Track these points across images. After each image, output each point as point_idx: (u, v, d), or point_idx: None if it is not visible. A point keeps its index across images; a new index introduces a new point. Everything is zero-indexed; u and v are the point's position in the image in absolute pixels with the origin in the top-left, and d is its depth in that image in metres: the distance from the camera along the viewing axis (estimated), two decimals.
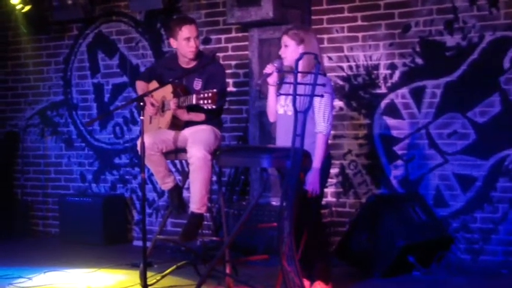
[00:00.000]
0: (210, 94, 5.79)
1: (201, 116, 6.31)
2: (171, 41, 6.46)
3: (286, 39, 5.82)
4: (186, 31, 6.33)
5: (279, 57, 5.92)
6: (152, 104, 6.38)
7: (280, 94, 5.81)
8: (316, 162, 5.63)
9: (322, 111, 5.64)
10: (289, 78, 5.78)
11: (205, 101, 5.80)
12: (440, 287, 6.37)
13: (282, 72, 5.91)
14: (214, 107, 5.83)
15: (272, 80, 5.89)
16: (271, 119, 6.07)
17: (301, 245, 5.66)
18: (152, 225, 8.58)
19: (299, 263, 5.20)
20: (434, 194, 7.24)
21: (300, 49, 5.70)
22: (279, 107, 5.90)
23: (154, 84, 6.46)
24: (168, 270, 6.42)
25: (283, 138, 5.78)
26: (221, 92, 6.20)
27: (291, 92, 5.52)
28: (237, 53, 8.23)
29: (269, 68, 5.86)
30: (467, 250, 7.09)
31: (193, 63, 6.43)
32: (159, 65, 6.80)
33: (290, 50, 5.78)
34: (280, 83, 5.75)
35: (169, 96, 6.27)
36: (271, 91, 5.97)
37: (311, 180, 5.63)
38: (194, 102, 5.91)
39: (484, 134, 7.02)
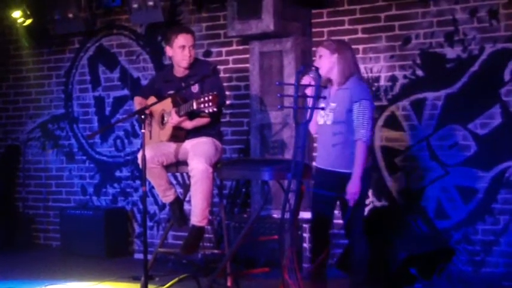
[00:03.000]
0: (210, 97, 5.78)
1: (205, 120, 6.31)
2: (167, 49, 6.49)
3: (320, 49, 5.85)
4: (181, 39, 6.36)
5: (313, 68, 5.91)
6: (151, 116, 6.42)
7: (283, 107, 5.83)
8: (356, 170, 5.59)
9: (360, 117, 5.61)
10: (327, 90, 5.76)
11: (206, 104, 5.80)
12: None
13: (318, 82, 5.90)
14: (215, 109, 5.82)
15: (310, 91, 5.89)
16: (313, 131, 6.04)
17: (323, 254, 5.71)
18: (153, 238, 8.58)
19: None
20: (436, 206, 7.23)
21: (334, 58, 5.73)
22: (319, 118, 5.87)
23: (152, 99, 6.47)
24: (169, 283, 6.41)
25: (322, 149, 5.79)
26: (219, 92, 6.16)
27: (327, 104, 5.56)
28: (237, 65, 8.24)
29: (305, 80, 5.83)
30: (469, 262, 7.07)
31: (187, 72, 6.45)
32: (156, 79, 6.83)
33: (324, 59, 5.79)
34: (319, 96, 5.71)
35: (168, 108, 6.28)
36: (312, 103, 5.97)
37: (350, 189, 5.61)
38: (195, 107, 5.90)
39: (485, 145, 7.02)
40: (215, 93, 5.82)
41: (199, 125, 6.32)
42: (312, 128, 5.99)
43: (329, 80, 5.81)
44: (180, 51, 6.37)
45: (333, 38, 6.24)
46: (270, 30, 7.36)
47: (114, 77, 9.16)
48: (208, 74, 6.32)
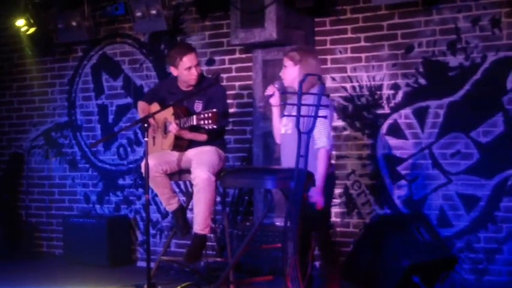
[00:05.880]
0: (210, 114, 5.82)
1: (203, 136, 6.34)
2: (172, 69, 6.51)
3: (285, 60, 5.90)
4: (186, 61, 6.39)
5: (280, 78, 5.97)
6: (153, 125, 6.42)
7: (284, 115, 5.83)
8: (319, 177, 5.60)
9: (321, 128, 5.61)
10: (292, 99, 5.82)
11: (206, 121, 5.84)
12: None
13: (283, 92, 5.93)
14: (215, 127, 5.85)
15: (274, 101, 5.93)
16: (277, 140, 6.09)
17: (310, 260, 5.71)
18: (156, 246, 8.57)
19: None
20: (438, 214, 7.24)
21: (296, 70, 5.76)
22: (282, 127, 5.93)
23: (155, 106, 6.51)
24: None
25: (286, 158, 5.82)
26: (223, 112, 6.24)
27: (292, 112, 5.55)
28: (240, 74, 8.26)
29: (270, 90, 5.92)
30: (472, 270, 7.08)
31: (192, 88, 6.48)
32: (162, 87, 6.85)
33: (288, 70, 5.84)
34: (284, 103, 5.77)
35: (170, 118, 6.30)
36: (275, 112, 5.99)
37: (313, 197, 5.61)
38: (195, 123, 5.94)
39: (488, 153, 7.03)
40: (215, 110, 5.85)
41: (196, 139, 6.35)
42: (276, 137, 6.04)
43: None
44: (186, 72, 6.41)
45: (297, 47, 6.23)
46: (273, 39, 7.37)
47: (118, 85, 9.17)
48: (210, 84, 6.36)
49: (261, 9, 7.37)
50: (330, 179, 5.78)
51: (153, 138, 6.58)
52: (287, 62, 5.87)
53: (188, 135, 6.30)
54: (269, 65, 7.65)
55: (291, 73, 5.81)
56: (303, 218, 5.25)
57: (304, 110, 5.16)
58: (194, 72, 6.40)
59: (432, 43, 7.27)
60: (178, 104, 6.32)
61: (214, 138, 6.40)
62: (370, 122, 7.58)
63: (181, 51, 6.47)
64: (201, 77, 6.52)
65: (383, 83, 7.50)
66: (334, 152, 7.62)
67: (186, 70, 6.40)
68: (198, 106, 6.36)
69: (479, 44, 7.07)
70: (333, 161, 5.88)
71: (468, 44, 7.11)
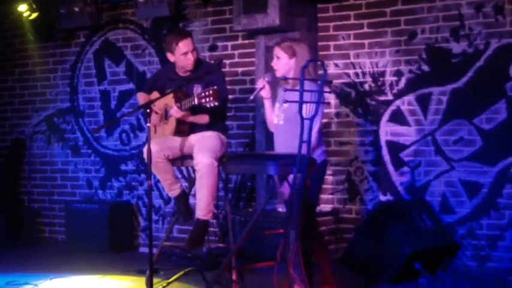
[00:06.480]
0: (210, 92, 5.81)
1: (205, 118, 6.32)
2: (169, 55, 6.46)
3: (278, 51, 5.81)
4: (182, 46, 6.34)
5: (271, 70, 5.93)
6: (156, 112, 6.40)
7: (287, 101, 5.81)
8: None
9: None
10: (287, 85, 5.77)
11: (207, 99, 5.82)
12: None
13: (284, 78, 5.89)
14: (216, 103, 5.82)
15: (266, 93, 5.90)
16: (272, 129, 6.06)
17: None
18: (158, 232, 8.58)
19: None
20: (441, 201, 7.23)
21: (292, 62, 5.71)
22: (275, 118, 5.89)
23: (155, 94, 6.49)
24: (174, 277, 6.43)
25: (278, 149, 5.81)
26: (222, 92, 6.19)
27: (285, 98, 5.54)
28: (243, 60, 8.24)
29: (260, 83, 5.89)
30: (474, 257, 7.08)
31: (191, 73, 6.46)
32: (160, 75, 6.82)
33: (282, 62, 5.77)
34: (286, 89, 5.74)
35: (171, 103, 6.28)
36: (267, 104, 5.96)
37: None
38: (196, 102, 5.92)
39: (490, 140, 7.01)
40: (215, 87, 5.83)
41: (198, 121, 6.32)
42: (270, 126, 6.02)
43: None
44: (183, 58, 6.37)
45: (290, 38, 6.19)
46: (276, 25, 7.35)
47: (120, 71, 9.16)
48: (213, 70, 6.35)
49: None
50: (322, 166, 5.76)
51: (155, 126, 6.57)
52: (280, 54, 5.79)
53: (190, 118, 6.28)
54: (271, 51, 7.59)
55: (286, 65, 5.76)
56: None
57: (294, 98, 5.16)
58: (191, 58, 6.37)
59: (435, 30, 7.25)
60: (177, 89, 6.30)
61: (216, 121, 6.37)
62: (373, 109, 7.57)
63: (176, 37, 6.43)
64: (198, 62, 6.49)
65: (386, 69, 7.48)
66: (335, 139, 7.63)
67: (182, 55, 6.36)
68: (197, 89, 6.33)
69: (483, 30, 7.05)
70: (324, 148, 5.84)
71: (471, 31, 7.09)
